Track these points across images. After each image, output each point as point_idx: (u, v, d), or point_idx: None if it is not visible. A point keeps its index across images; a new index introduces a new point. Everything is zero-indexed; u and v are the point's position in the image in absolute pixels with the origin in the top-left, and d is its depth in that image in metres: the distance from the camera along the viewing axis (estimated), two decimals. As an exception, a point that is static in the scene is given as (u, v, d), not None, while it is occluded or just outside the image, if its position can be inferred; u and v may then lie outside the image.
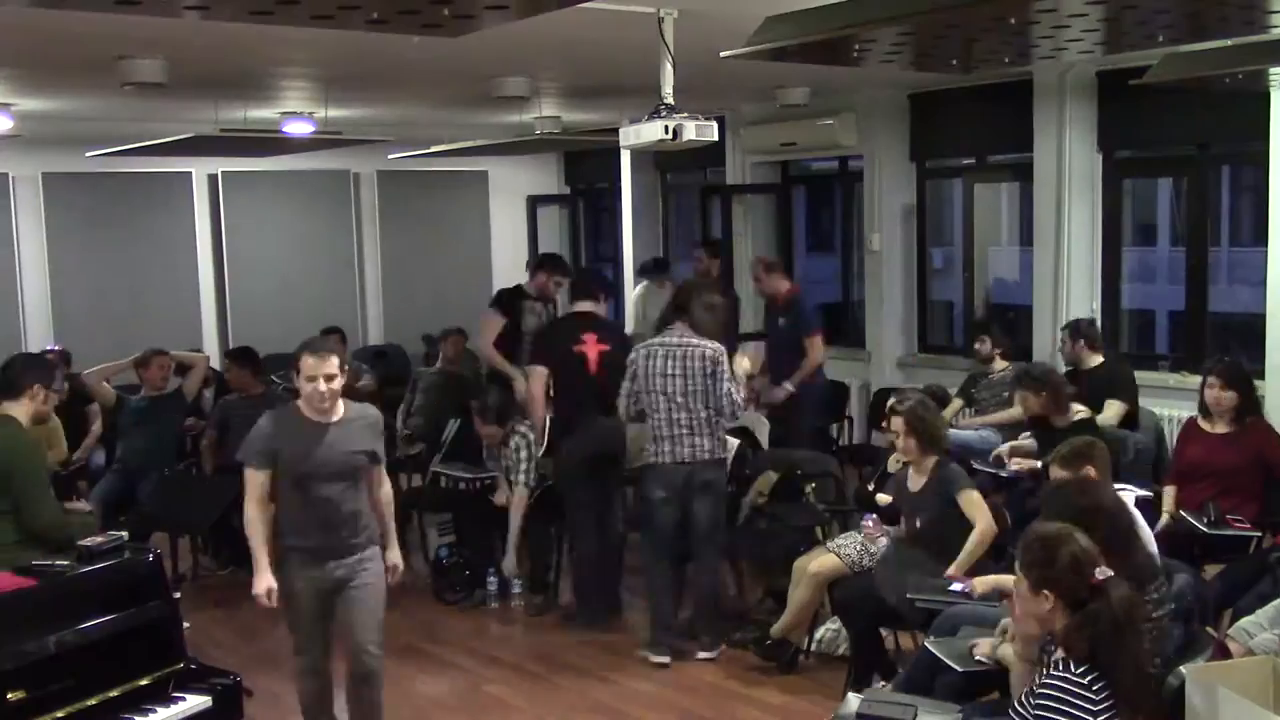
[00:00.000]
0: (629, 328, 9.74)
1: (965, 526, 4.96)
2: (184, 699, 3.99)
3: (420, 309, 12.29)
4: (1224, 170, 8.80)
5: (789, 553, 5.83)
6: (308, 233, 11.94)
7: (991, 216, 10.16)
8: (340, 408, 4.48)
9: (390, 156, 10.96)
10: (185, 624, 4.32)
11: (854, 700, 3.83)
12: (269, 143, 8.94)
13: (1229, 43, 5.22)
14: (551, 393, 6.51)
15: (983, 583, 4.53)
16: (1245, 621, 4.20)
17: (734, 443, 6.33)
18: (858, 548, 5.35)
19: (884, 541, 5.32)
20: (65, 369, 7.85)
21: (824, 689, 5.34)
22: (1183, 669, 3.55)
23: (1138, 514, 4.11)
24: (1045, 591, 3.19)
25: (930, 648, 4.14)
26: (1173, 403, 7.77)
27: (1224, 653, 3.99)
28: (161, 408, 7.72)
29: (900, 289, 9.58)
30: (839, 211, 10.67)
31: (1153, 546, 4.07)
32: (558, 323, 7.09)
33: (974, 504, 5.02)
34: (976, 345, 7.63)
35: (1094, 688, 3.04)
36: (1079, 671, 3.07)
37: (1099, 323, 8.33)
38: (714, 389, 5.66)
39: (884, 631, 5.21)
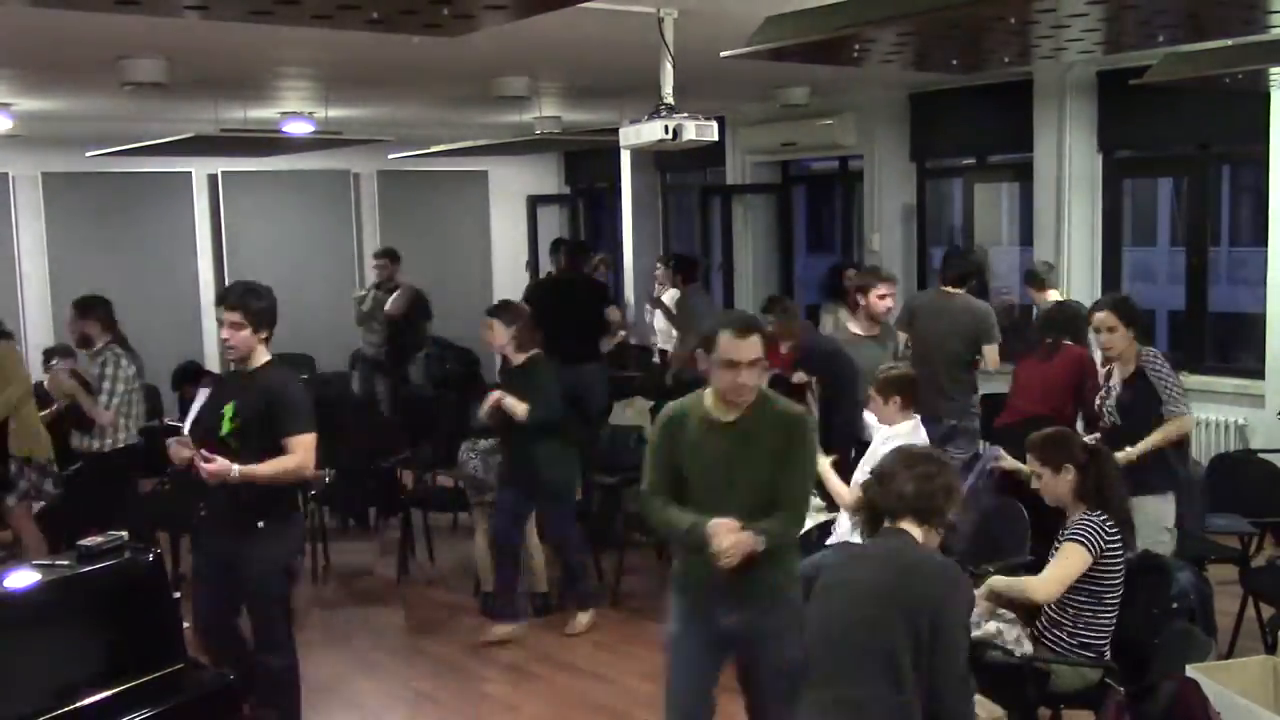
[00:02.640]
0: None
1: None
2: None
3: (420, 309, 12.28)
4: (1224, 170, 8.80)
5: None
6: (308, 233, 11.94)
7: (991, 216, 10.16)
8: None
9: (390, 156, 10.96)
10: (185, 624, 4.32)
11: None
12: (269, 143, 8.95)
13: (1229, 43, 5.22)
14: None
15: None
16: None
17: None
18: None
19: None
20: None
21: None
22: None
23: None
24: (1066, 466, 4.15)
25: None
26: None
27: None
28: None
29: (900, 288, 9.56)
30: (839, 211, 10.67)
31: None
32: None
33: None
34: None
35: (1107, 524, 4.04)
36: (1095, 514, 4.07)
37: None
38: None
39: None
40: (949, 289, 6.92)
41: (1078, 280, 8.26)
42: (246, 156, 10.39)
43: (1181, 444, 5.32)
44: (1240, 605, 5.38)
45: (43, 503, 6.60)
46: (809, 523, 4.78)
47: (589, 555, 6.64)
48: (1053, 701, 4.11)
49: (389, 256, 10.01)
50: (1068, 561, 4.02)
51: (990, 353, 6.67)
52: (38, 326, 10.74)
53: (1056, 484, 4.17)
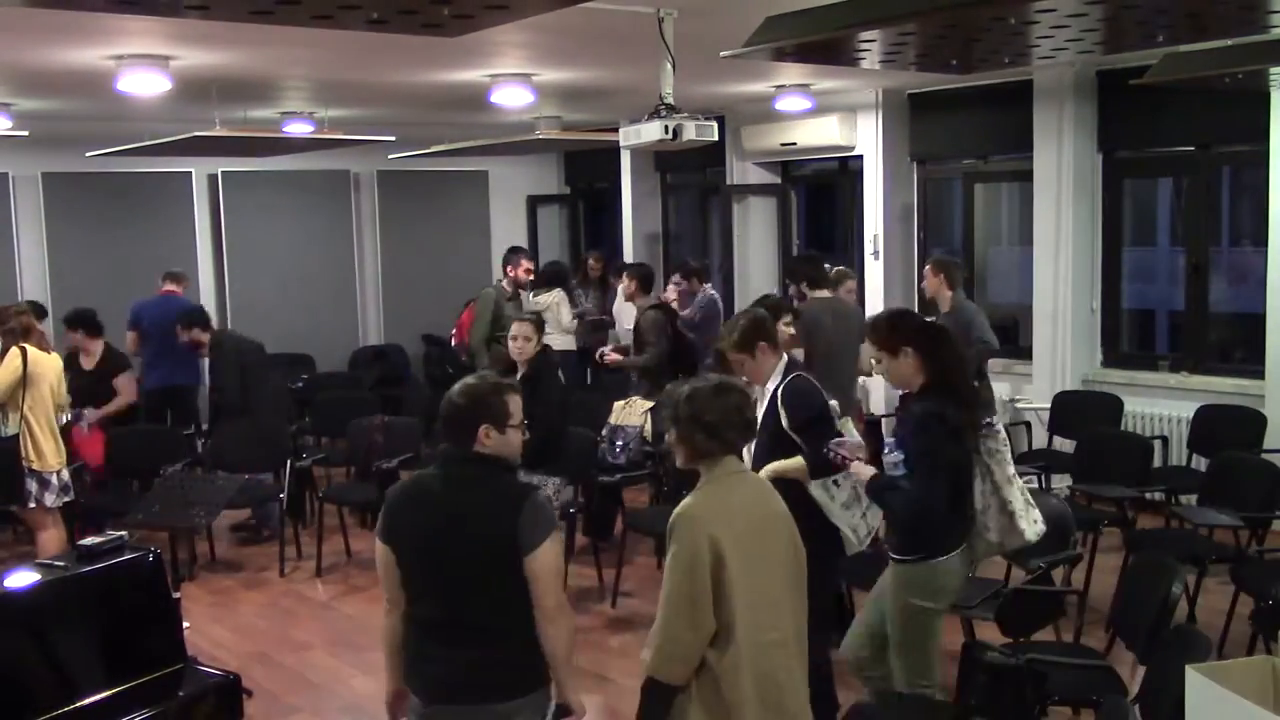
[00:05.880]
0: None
1: None
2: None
3: (420, 309, 12.28)
4: (1224, 170, 8.79)
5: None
6: (308, 233, 11.94)
7: (991, 216, 10.16)
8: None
9: (390, 156, 10.95)
10: (185, 624, 4.32)
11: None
12: (269, 143, 8.94)
13: (1229, 43, 5.22)
14: None
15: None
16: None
17: None
18: None
19: None
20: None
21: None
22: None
23: None
24: (905, 349, 3.96)
25: None
26: (1173, 403, 7.78)
27: None
28: None
29: (900, 289, 9.58)
30: (839, 211, 10.67)
31: None
32: None
33: None
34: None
35: (948, 407, 3.87)
36: (934, 399, 3.90)
37: (1099, 322, 8.37)
38: None
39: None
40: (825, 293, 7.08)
41: (1077, 281, 8.26)
42: (246, 156, 10.39)
43: None
44: (1231, 602, 5.46)
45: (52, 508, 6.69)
46: None
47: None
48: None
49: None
50: None
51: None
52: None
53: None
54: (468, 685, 3.19)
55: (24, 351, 6.55)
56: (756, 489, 3.36)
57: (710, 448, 3.23)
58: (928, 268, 7.57)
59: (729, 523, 3.15)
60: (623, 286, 8.63)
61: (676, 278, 9.10)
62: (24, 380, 6.50)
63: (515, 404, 3.31)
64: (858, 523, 4.40)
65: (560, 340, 9.41)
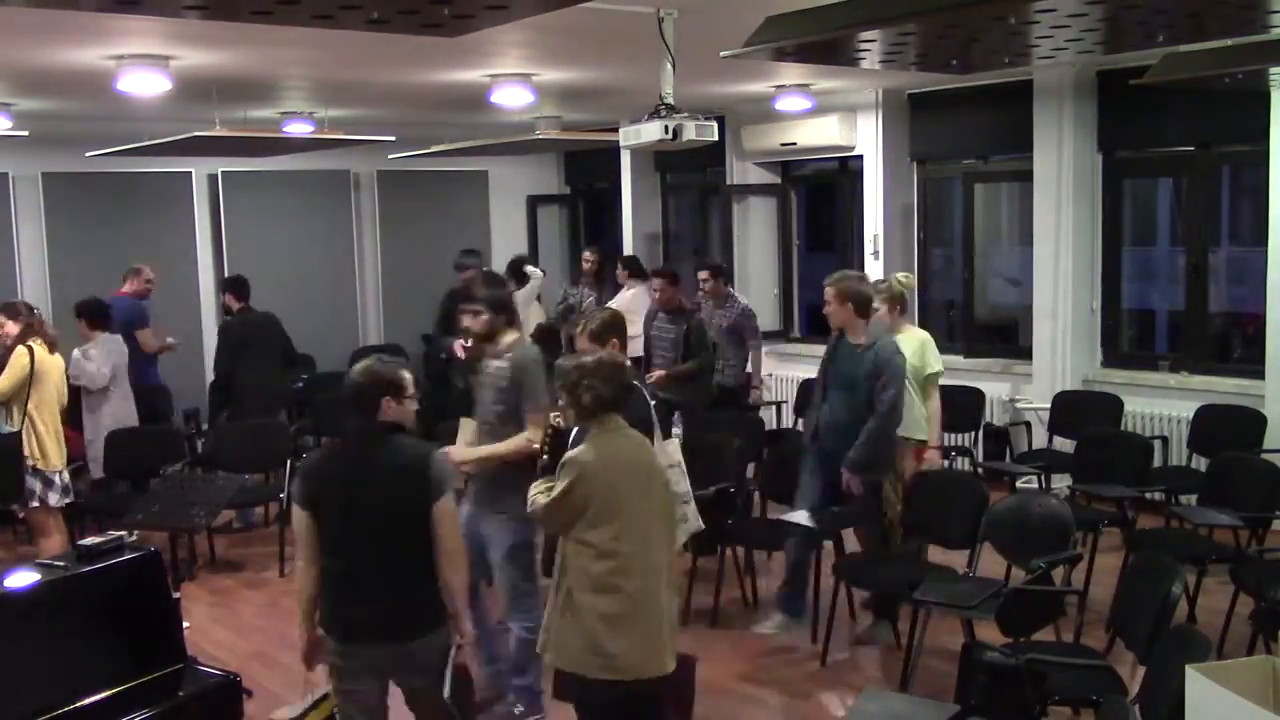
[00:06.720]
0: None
1: None
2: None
3: (420, 309, 12.26)
4: (1224, 170, 8.79)
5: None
6: (308, 233, 11.93)
7: (991, 216, 10.16)
8: None
9: (390, 156, 10.95)
10: (185, 624, 4.32)
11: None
12: (269, 143, 8.94)
13: (1229, 43, 5.23)
14: None
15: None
16: None
17: None
18: None
19: None
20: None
21: (831, 687, 5.34)
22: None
23: None
24: None
25: None
26: (1173, 403, 7.78)
27: None
28: None
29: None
30: (839, 211, 10.66)
31: None
32: None
33: None
34: None
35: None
36: None
37: (1099, 322, 8.35)
38: None
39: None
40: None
41: (1077, 281, 8.26)
42: (246, 156, 10.38)
43: None
44: (1230, 602, 5.47)
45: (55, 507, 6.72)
46: None
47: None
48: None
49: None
50: None
51: None
52: (38, 326, 10.71)
53: None
54: (385, 626, 3.71)
55: (31, 350, 6.59)
56: (636, 442, 3.94)
57: (594, 408, 3.82)
58: (832, 291, 5.82)
59: (615, 466, 3.78)
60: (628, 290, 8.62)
61: (704, 274, 8.30)
62: (30, 378, 6.55)
63: (408, 378, 3.89)
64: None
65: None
